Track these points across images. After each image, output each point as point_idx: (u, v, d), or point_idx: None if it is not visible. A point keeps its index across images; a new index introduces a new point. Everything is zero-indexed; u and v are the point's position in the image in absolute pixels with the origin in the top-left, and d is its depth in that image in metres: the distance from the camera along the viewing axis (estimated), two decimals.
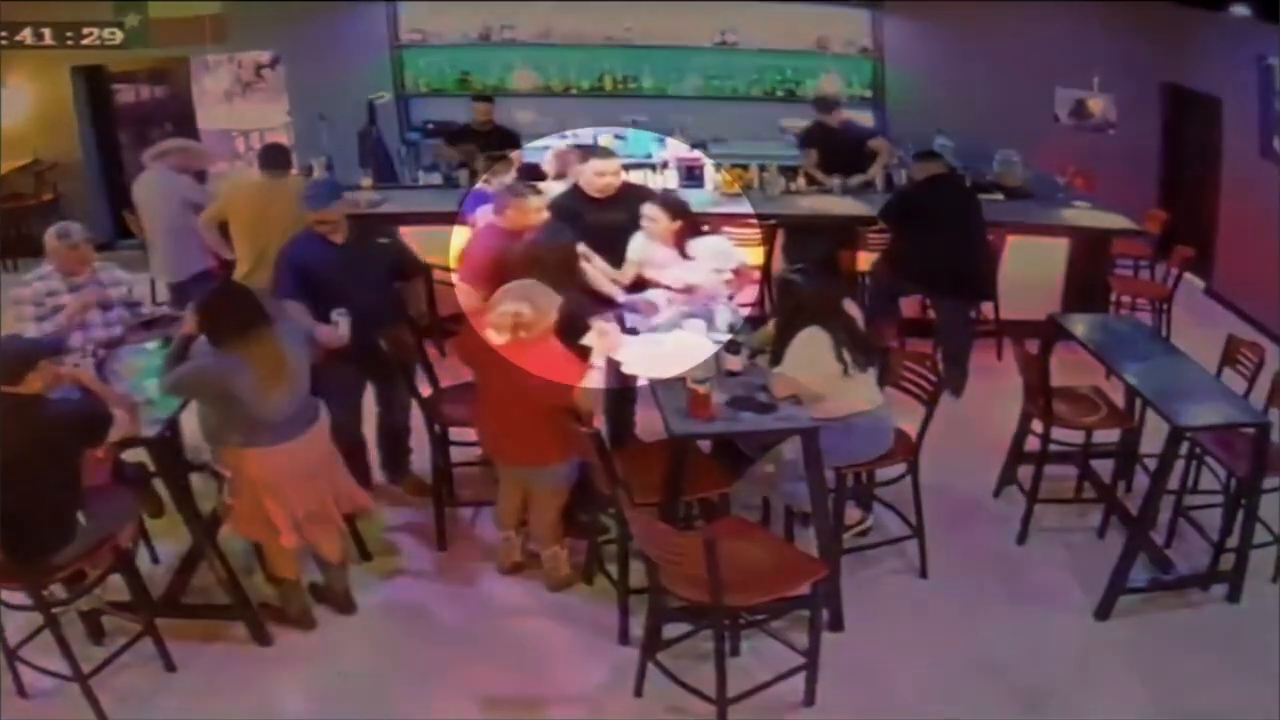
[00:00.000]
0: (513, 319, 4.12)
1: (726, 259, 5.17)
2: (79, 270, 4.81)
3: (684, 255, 5.13)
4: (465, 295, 5.01)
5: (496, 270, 4.70)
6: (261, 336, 3.97)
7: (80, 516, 3.86)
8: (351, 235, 4.89)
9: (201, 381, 4.05)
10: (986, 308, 6.95)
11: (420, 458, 5.35)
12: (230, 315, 4.00)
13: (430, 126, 9.42)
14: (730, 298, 5.07)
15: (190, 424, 4.63)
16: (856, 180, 7.78)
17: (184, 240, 6.30)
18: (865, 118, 9.14)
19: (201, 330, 4.08)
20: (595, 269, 5.18)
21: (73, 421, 3.80)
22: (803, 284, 4.44)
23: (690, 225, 5.17)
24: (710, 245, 5.18)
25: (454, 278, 5.32)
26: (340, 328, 4.70)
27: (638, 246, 5.30)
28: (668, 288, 5.13)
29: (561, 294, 4.30)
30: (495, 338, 4.19)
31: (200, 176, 6.97)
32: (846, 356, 4.27)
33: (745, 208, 7.26)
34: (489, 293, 4.59)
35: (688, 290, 5.07)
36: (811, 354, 4.27)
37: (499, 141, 7.73)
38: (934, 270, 6.36)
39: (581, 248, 5.03)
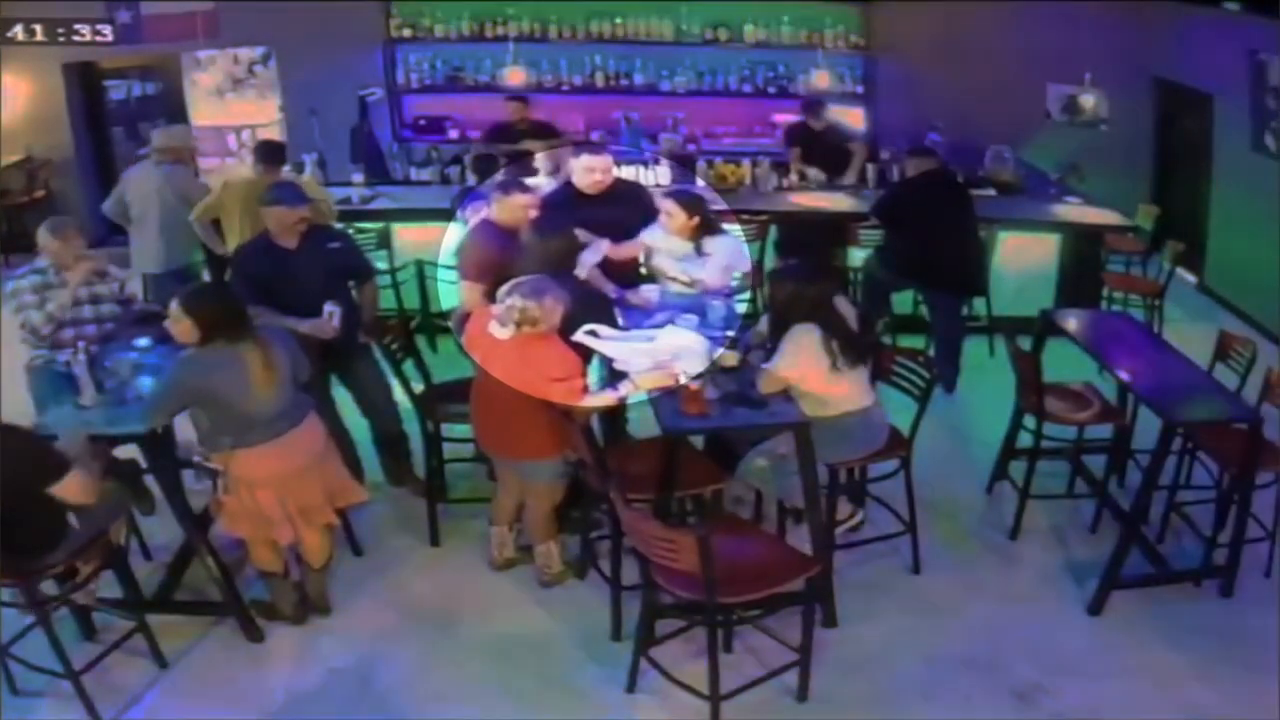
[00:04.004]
0: (519, 314, 4.09)
1: (740, 257, 5.16)
2: (72, 263, 4.81)
3: (700, 252, 5.12)
4: (465, 290, 5.00)
5: (495, 265, 4.69)
6: (248, 335, 3.96)
7: (71, 516, 3.84)
8: (303, 240, 4.85)
9: (181, 385, 4.00)
10: (979, 303, 6.96)
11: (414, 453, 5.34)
12: (221, 313, 3.97)
13: (421, 122, 9.40)
14: (724, 294, 5.06)
15: (184, 420, 4.60)
16: (832, 179, 7.84)
17: (175, 233, 6.31)
18: (856, 114, 9.16)
19: (195, 328, 4.00)
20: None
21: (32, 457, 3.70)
22: (796, 278, 4.43)
23: (707, 221, 5.16)
24: (725, 243, 5.16)
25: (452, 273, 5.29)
26: (333, 319, 4.71)
27: (652, 239, 5.28)
28: (679, 282, 5.13)
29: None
30: (499, 332, 4.18)
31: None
32: (836, 351, 4.26)
33: (736, 204, 7.25)
34: (487, 287, 4.58)
35: (696, 286, 5.07)
36: (803, 349, 4.26)
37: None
38: (926, 266, 6.36)
39: (582, 233, 5.01)
